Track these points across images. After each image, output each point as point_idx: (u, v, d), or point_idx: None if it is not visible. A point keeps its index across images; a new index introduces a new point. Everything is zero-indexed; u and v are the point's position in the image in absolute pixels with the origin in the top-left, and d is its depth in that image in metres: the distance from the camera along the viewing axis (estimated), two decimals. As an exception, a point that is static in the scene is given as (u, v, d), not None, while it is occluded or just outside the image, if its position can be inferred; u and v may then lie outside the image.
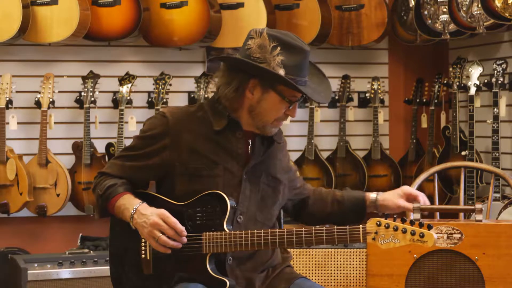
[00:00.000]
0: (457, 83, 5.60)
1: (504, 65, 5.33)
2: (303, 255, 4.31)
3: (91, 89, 5.51)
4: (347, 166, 5.94)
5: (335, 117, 6.02)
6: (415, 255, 3.36)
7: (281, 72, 2.95)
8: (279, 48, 2.95)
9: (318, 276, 4.30)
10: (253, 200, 3.08)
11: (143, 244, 3.03)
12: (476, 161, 5.47)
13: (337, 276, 4.29)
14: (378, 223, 2.85)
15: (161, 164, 3.04)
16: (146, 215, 2.94)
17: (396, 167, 5.97)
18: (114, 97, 5.62)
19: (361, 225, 2.88)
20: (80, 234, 5.44)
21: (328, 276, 4.30)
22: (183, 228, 2.93)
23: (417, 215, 3.19)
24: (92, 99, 5.49)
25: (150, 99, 5.69)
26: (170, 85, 5.62)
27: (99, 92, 5.57)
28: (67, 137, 5.61)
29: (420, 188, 3.45)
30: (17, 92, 5.44)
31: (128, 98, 5.54)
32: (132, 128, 5.62)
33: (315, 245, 3.98)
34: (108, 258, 3.31)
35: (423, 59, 6.23)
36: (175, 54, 5.81)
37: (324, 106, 6.04)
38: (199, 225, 2.99)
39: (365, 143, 6.09)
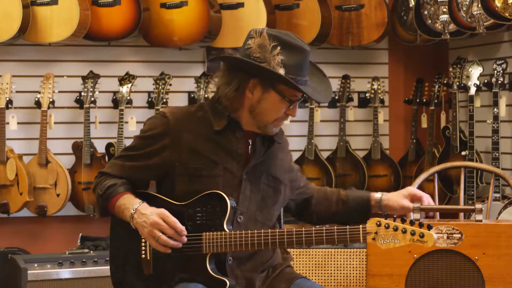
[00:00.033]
0: (457, 83, 5.60)
1: (504, 65, 5.33)
2: (303, 255, 4.31)
3: (91, 89, 5.51)
4: (347, 166, 5.94)
5: (335, 117, 6.02)
6: (415, 255, 3.36)
7: (281, 71, 2.95)
8: (279, 48, 2.95)
9: (318, 276, 4.30)
10: (253, 200, 3.07)
11: (143, 244, 3.03)
12: (476, 161, 5.47)
13: (337, 276, 4.29)
14: (378, 223, 2.85)
15: (161, 164, 3.04)
16: (146, 214, 2.94)
17: (396, 167, 5.97)
18: (114, 97, 5.62)
19: (361, 225, 2.88)
20: (80, 234, 5.44)
21: (328, 276, 4.30)
22: (183, 228, 2.93)
23: (417, 215, 3.19)
24: (92, 99, 5.49)
25: (150, 99, 5.69)
26: (170, 85, 5.62)
27: (99, 92, 5.57)
28: (67, 137, 5.61)
29: (420, 188, 3.45)
30: (17, 92, 5.44)
31: (128, 98, 5.54)
32: (132, 128, 5.62)
33: (315, 245, 3.98)
34: (108, 258, 3.31)
35: (423, 59, 6.23)
36: (175, 54, 5.81)
37: (324, 106, 6.04)
38: (199, 225, 2.99)
39: (365, 143, 6.09)
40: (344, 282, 4.28)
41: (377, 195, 3.23)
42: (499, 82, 5.29)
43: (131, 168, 3.08)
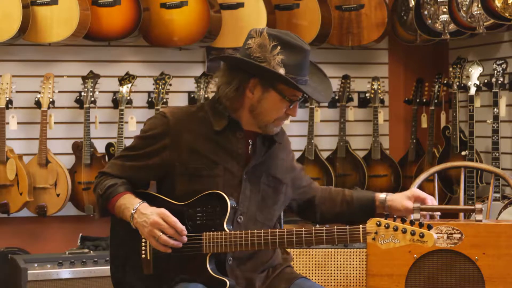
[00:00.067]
0: (457, 83, 5.60)
1: (504, 65, 5.33)
2: (303, 255, 4.31)
3: (91, 89, 5.51)
4: (347, 166, 5.94)
5: (335, 117, 6.02)
6: (415, 255, 3.36)
7: (281, 71, 2.95)
8: (279, 47, 2.95)
9: (318, 276, 4.30)
10: (253, 200, 3.07)
11: (143, 244, 3.03)
12: (476, 161, 5.47)
13: (337, 276, 4.29)
14: (378, 223, 2.85)
15: (161, 164, 3.04)
16: (146, 214, 2.94)
17: (396, 167, 5.97)
18: (114, 97, 5.61)
19: (361, 225, 2.88)
20: (80, 234, 5.44)
21: (328, 276, 4.30)
22: (183, 227, 2.93)
23: (417, 215, 3.19)
24: (92, 99, 5.49)
25: (150, 99, 5.69)
26: (170, 85, 5.62)
27: (99, 92, 5.57)
28: (67, 137, 5.61)
29: (420, 188, 3.44)
30: (17, 92, 5.44)
31: (128, 98, 5.54)
32: (132, 128, 5.62)
33: (315, 245, 3.98)
34: (108, 258, 3.31)
35: (423, 59, 6.23)
36: (175, 54, 5.81)
37: (324, 106, 6.04)
38: (199, 225, 2.99)
39: (365, 143, 6.09)
40: (344, 282, 4.28)
41: (382, 195, 3.23)
42: (499, 82, 5.29)
43: (131, 168, 3.08)
